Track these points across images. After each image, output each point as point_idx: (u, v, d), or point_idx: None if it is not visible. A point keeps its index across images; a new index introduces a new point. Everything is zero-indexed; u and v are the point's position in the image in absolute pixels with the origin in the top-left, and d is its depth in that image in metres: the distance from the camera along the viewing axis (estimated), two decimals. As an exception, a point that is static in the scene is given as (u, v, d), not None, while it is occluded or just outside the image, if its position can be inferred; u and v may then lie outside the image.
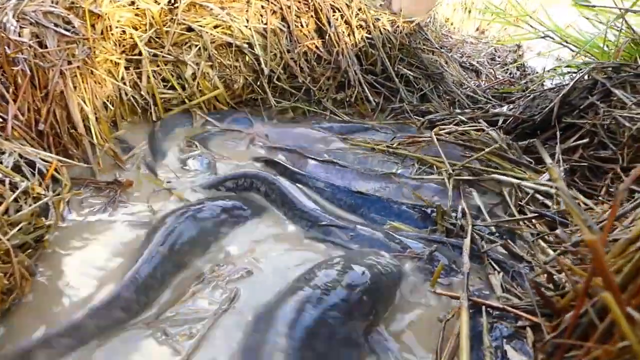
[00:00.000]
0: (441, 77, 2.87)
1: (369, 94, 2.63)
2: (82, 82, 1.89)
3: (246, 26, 2.48)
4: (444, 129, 2.05)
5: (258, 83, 2.50)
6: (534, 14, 3.38)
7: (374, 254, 1.30)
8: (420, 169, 1.81)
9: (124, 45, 2.22)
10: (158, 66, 2.28)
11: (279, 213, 1.60)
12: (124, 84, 2.15)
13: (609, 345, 0.70)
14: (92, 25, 2.05)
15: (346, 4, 2.77)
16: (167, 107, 2.28)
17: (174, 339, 1.07)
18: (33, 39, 1.77)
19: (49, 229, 1.33)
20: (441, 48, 3.24)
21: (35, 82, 1.71)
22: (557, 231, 1.18)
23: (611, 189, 1.69)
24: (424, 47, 2.97)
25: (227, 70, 2.42)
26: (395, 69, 2.77)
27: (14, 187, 1.31)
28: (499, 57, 4.29)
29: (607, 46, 2.81)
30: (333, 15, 2.70)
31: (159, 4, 2.30)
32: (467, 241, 1.26)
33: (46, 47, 1.78)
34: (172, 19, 2.35)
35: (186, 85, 2.31)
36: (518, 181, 1.41)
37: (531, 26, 3.17)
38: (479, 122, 2.09)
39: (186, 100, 2.30)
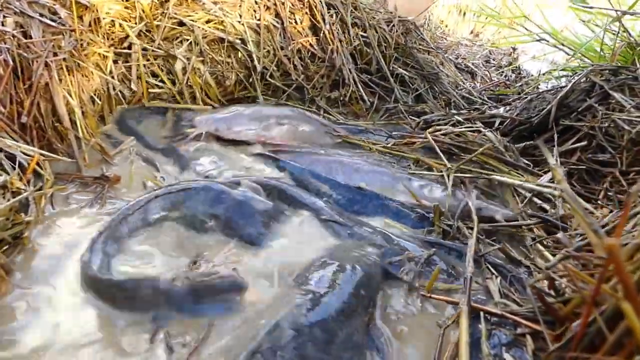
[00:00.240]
0: (437, 78, 2.83)
1: (364, 93, 2.58)
2: (68, 74, 1.83)
3: (239, 22, 2.42)
4: (439, 130, 2.01)
5: (250, 80, 2.45)
6: (529, 16, 3.35)
7: (357, 247, 1.28)
8: (418, 169, 1.77)
9: (112, 39, 2.16)
10: (148, 60, 2.22)
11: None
12: (112, 77, 2.09)
13: (620, 357, 0.66)
14: (80, 17, 1.98)
15: (341, 2, 2.72)
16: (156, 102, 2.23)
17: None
18: (17, 28, 1.70)
19: (28, 225, 1.27)
20: (437, 49, 3.21)
21: (18, 74, 1.65)
22: (558, 235, 1.14)
23: (610, 193, 1.65)
24: (419, 47, 2.93)
25: (219, 66, 2.37)
26: (391, 68, 2.73)
27: (-9, 181, 1.25)
28: (493, 59, 4.26)
29: (603, 50, 2.79)
30: (328, 13, 2.65)
31: (149, -4, 2.24)
32: (472, 242, 1.21)
33: (31, 38, 1.72)
34: (163, 12, 2.29)
35: (176, 81, 2.25)
36: (520, 182, 1.36)
37: (526, 29, 3.14)
38: (476, 123, 2.05)
39: (176, 95, 2.24)
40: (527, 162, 1.87)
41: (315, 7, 2.61)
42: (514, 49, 4.45)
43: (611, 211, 1.48)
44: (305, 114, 2.19)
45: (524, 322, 0.99)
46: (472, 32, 5.53)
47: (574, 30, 3.12)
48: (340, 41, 2.62)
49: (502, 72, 3.80)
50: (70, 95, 1.80)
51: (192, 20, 2.32)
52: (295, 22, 2.60)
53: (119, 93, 2.12)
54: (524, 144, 2.01)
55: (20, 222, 1.26)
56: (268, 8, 2.53)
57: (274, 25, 2.51)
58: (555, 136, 1.95)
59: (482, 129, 1.96)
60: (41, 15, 1.79)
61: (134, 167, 1.76)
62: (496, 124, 2.17)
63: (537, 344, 0.98)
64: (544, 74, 3.40)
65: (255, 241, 1.35)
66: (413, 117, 2.44)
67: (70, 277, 1.20)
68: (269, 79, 2.47)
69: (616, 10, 2.52)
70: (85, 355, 1.00)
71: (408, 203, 1.54)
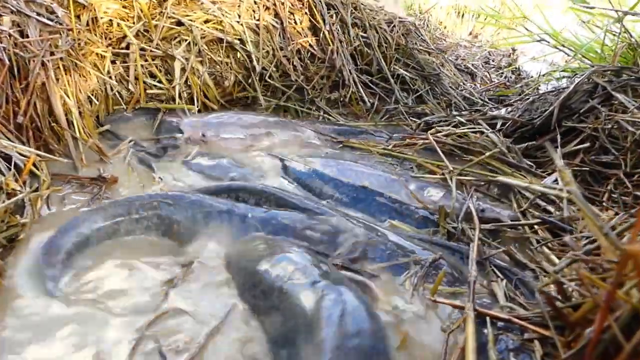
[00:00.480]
0: (437, 78, 2.81)
1: (364, 94, 2.56)
2: (66, 74, 1.80)
3: (238, 22, 2.40)
4: (441, 131, 1.99)
5: (249, 81, 2.42)
6: (528, 16, 3.34)
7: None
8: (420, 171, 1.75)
9: (110, 38, 2.13)
10: (146, 61, 2.19)
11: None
12: (110, 77, 2.07)
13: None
14: (77, 16, 1.96)
15: (341, 2, 2.70)
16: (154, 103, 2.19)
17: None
18: (13, 27, 1.68)
19: (24, 228, 1.24)
20: (437, 50, 3.19)
21: (14, 73, 1.63)
22: (566, 238, 1.12)
23: (614, 195, 1.63)
24: (420, 47, 2.91)
25: (218, 66, 2.34)
26: (391, 69, 2.71)
27: (-14, 182, 1.23)
28: (493, 60, 4.25)
29: (603, 51, 2.77)
30: (328, 13, 2.63)
31: (147, -5, 2.22)
32: (475, 245, 1.19)
33: (27, 37, 1.70)
34: (161, 12, 2.27)
35: (174, 81, 2.22)
36: (527, 184, 1.34)
37: (527, 29, 3.13)
38: (479, 124, 2.03)
39: (175, 96, 2.21)
40: (529, 163, 1.85)
41: (315, 7, 2.59)
42: (514, 50, 4.44)
43: (616, 214, 1.46)
44: (296, 124, 2.17)
45: (532, 327, 0.97)
46: (470, 34, 5.52)
47: (573, 31, 3.11)
48: (341, 42, 2.59)
49: (502, 73, 3.79)
50: (67, 95, 1.77)
51: (191, 20, 2.29)
52: (295, 23, 2.57)
53: (116, 93, 2.09)
54: (525, 145, 1.99)
55: (16, 224, 1.23)
56: (267, 8, 2.51)
57: (273, 26, 2.49)
58: (559, 137, 1.93)
59: (484, 130, 1.93)
60: (38, 14, 1.76)
61: (132, 168, 1.73)
62: (498, 126, 2.15)
63: (546, 350, 0.96)
64: (543, 75, 3.38)
65: None
66: (414, 119, 2.42)
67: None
68: (269, 80, 2.44)
69: (617, 11, 2.51)
70: None
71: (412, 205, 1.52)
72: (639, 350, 0.66)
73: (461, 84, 3.00)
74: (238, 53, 2.39)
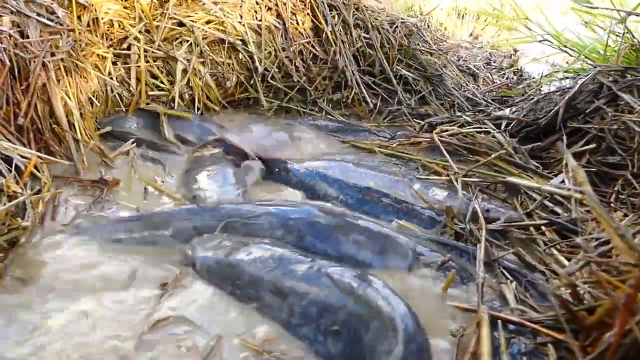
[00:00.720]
0: (440, 79, 2.79)
1: (367, 95, 2.55)
2: (66, 75, 1.78)
3: (240, 22, 2.38)
4: (446, 130, 1.97)
5: (251, 82, 2.41)
6: (529, 17, 3.33)
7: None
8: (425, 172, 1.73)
9: (111, 39, 2.11)
10: (147, 62, 2.17)
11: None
12: (111, 79, 2.05)
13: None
14: (78, 17, 1.94)
15: (343, 2, 2.69)
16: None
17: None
18: (14, 28, 1.66)
19: (25, 231, 1.22)
20: (439, 51, 3.17)
21: (15, 74, 1.61)
22: (577, 240, 1.10)
23: (621, 196, 1.61)
24: (422, 48, 2.90)
25: (219, 67, 2.33)
26: (394, 70, 2.69)
27: (-14, 184, 1.21)
28: (494, 61, 4.24)
29: (606, 52, 2.76)
30: (330, 14, 2.61)
31: (149, -4, 2.20)
32: (482, 247, 1.17)
33: (28, 37, 1.68)
34: (162, 13, 2.25)
35: (176, 83, 2.20)
36: (537, 185, 1.32)
37: (529, 29, 3.11)
38: (485, 124, 2.01)
39: (176, 97, 2.19)
40: (536, 164, 1.83)
41: (317, 8, 2.58)
42: (515, 51, 4.42)
43: (625, 215, 1.45)
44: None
45: (545, 330, 0.95)
46: (471, 35, 5.51)
47: (576, 32, 3.10)
48: (343, 42, 2.58)
49: (504, 74, 3.77)
50: (68, 97, 1.75)
51: (192, 21, 2.28)
52: (297, 23, 2.56)
53: (117, 95, 2.07)
54: (531, 145, 1.97)
55: (17, 227, 1.21)
56: (269, 9, 2.49)
57: (276, 26, 2.48)
58: (565, 138, 1.91)
59: (490, 130, 1.92)
60: (38, 14, 1.75)
61: (134, 170, 1.71)
62: (502, 126, 2.13)
63: (560, 354, 0.94)
64: (546, 76, 3.37)
65: None
66: (417, 120, 2.40)
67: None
68: (271, 81, 2.43)
69: (619, 11, 2.50)
70: None
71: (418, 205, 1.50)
72: (662, 355, 0.64)
73: (464, 85, 2.99)
74: (240, 54, 2.37)
